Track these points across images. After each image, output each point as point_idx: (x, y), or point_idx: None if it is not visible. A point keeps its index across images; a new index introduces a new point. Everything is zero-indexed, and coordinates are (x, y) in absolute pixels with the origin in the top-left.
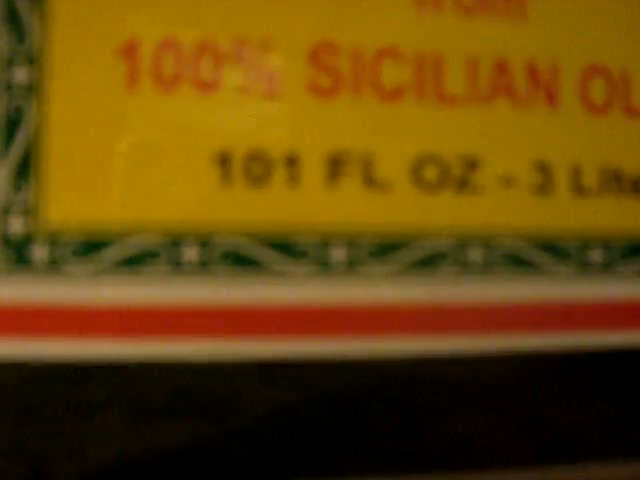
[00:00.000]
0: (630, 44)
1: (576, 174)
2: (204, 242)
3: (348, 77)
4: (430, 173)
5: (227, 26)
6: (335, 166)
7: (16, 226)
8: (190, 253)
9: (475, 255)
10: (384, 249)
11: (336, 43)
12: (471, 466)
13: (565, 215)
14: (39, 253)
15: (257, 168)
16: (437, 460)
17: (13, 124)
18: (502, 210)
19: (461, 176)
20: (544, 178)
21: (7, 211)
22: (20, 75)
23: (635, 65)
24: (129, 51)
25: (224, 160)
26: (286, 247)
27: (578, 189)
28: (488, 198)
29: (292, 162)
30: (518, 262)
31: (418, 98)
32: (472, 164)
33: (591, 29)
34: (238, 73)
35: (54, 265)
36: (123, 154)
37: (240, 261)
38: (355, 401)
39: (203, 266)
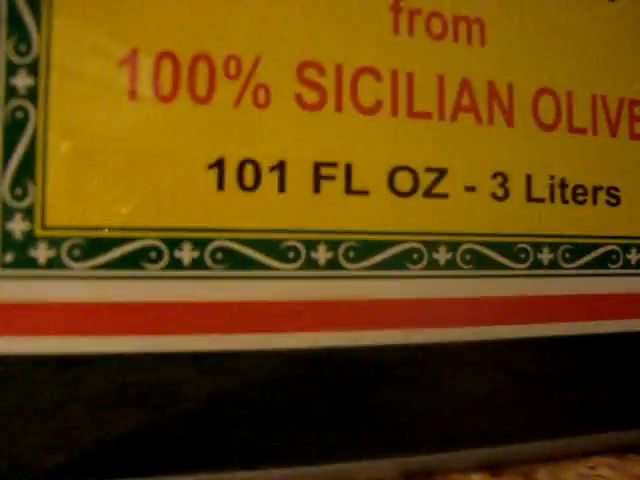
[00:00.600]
0: (573, 71)
1: (528, 184)
2: (199, 244)
3: (331, 93)
4: (403, 182)
5: (222, 42)
6: (319, 175)
7: (16, 229)
8: (185, 255)
9: (441, 255)
10: (362, 251)
11: (321, 62)
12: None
13: (519, 219)
14: (39, 256)
15: (248, 176)
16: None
17: (14, 129)
18: (465, 215)
19: (429, 185)
20: (501, 187)
21: (7, 214)
22: (22, 80)
23: (577, 90)
24: (130, 59)
25: (218, 168)
26: (274, 249)
27: (530, 197)
28: (453, 204)
29: (280, 171)
30: (479, 261)
31: (392, 114)
32: (439, 174)
33: (541, 56)
34: (232, 86)
35: (54, 268)
36: (122, 159)
37: (231, 262)
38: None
39: (197, 267)
